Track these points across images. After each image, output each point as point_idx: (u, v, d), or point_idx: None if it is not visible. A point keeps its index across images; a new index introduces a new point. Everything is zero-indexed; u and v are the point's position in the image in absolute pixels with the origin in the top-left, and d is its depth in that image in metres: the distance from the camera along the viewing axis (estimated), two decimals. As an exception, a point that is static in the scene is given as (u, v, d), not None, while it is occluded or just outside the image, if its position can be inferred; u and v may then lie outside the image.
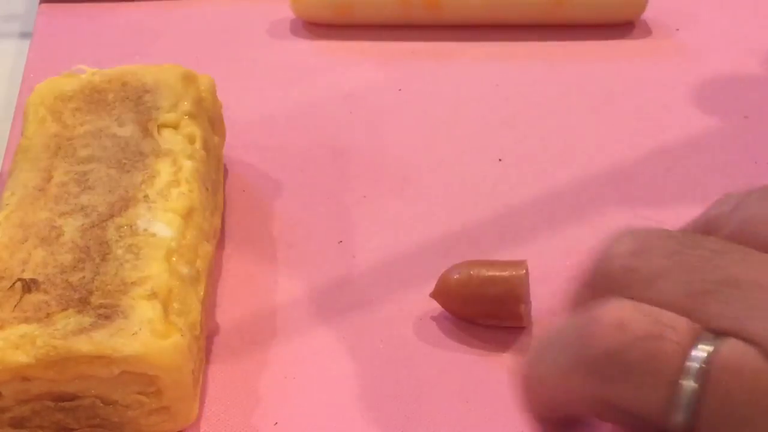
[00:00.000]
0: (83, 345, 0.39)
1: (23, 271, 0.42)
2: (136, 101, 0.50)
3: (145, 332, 0.40)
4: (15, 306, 0.41)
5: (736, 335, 0.29)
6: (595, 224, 0.53)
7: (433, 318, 0.48)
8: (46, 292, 0.42)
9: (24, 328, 0.40)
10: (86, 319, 0.40)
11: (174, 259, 0.44)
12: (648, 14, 0.67)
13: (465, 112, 0.61)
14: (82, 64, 0.53)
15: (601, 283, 0.32)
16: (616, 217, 0.53)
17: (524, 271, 0.46)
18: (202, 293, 0.45)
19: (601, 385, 0.30)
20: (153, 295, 0.41)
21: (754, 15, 0.69)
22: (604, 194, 0.55)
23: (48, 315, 0.41)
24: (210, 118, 0.53)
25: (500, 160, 0.57)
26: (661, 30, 0.67)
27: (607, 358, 0.30)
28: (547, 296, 0.49)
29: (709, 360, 0.29)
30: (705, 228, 0.33)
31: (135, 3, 0.70)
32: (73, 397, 0.41)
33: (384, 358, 0.46)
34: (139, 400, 0.41)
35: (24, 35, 0.69)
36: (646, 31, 0.67)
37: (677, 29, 0.67)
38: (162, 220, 0.45)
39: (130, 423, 0.42)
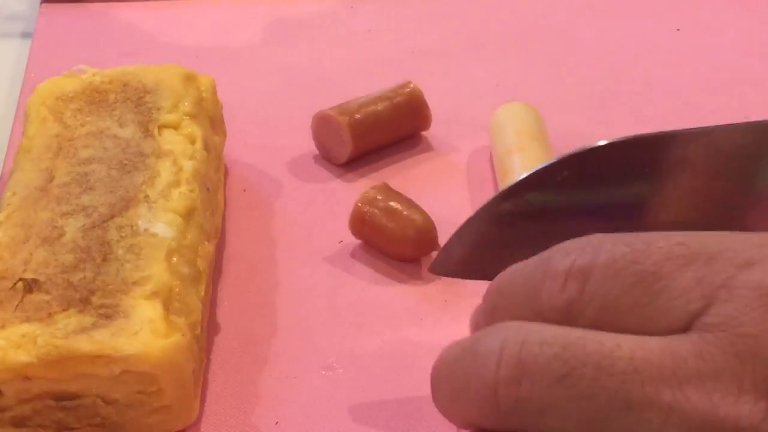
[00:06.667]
0: (84, 344, 0.40)
1: (25, 271, 0.43)
2: (137, 102, 0.50)
3: (145, 332, 0.40)
4: (17, 306, 0.41)
5: None
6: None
7: (435, 318, 0.48)
8: (47, 292, 0.42)
9: (25, 328, 0.40)
10: (87, 319, 0.40)
11: (175, 259, 0.44)
12: (648, 11, 0.67)
13: (465, 112, 0.61)
14: (82, 64, 0.53)
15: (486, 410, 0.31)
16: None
17: None
18: (202, 293, 0.45)
19: None
20: (154, 295, 0.41)
21: (753, 14, 0.69)
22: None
23: (49, 315, 0.41)
24: (210, 118, 0.53)
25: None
26: (661, 30, 0.67)
27: None
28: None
29: None
30: (560, 315, 0.31)
31: (135, 3, 0.70)
32: (74, 397, 0.41)
33: (385, 357, 0.46)
34: (140, 399, 0.41)
35: (25, 35, 0.69)
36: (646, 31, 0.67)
37: (677, 29, 0.67)
38: (163, 220, 0.45)
39: (130, 422, 0.42)
